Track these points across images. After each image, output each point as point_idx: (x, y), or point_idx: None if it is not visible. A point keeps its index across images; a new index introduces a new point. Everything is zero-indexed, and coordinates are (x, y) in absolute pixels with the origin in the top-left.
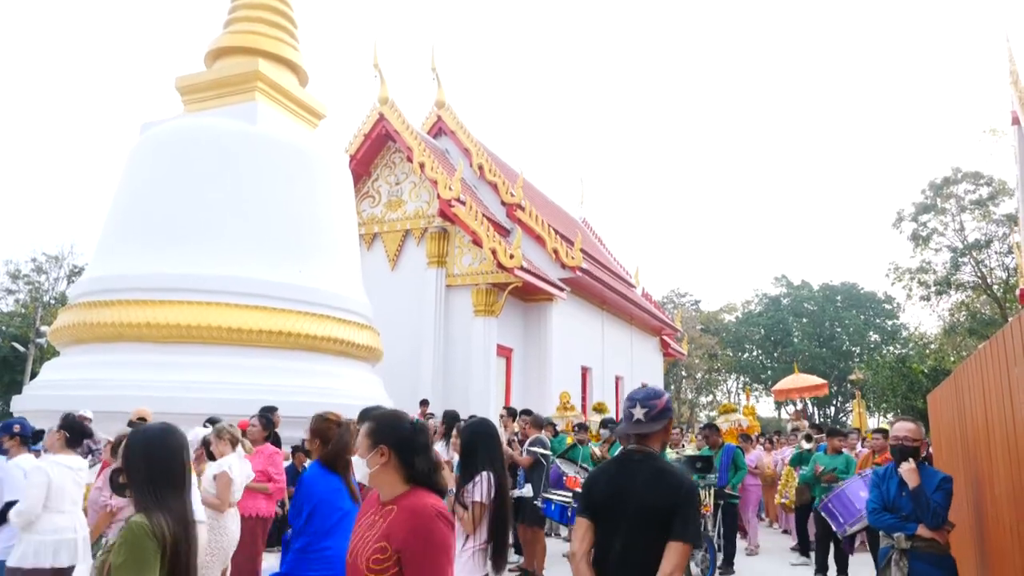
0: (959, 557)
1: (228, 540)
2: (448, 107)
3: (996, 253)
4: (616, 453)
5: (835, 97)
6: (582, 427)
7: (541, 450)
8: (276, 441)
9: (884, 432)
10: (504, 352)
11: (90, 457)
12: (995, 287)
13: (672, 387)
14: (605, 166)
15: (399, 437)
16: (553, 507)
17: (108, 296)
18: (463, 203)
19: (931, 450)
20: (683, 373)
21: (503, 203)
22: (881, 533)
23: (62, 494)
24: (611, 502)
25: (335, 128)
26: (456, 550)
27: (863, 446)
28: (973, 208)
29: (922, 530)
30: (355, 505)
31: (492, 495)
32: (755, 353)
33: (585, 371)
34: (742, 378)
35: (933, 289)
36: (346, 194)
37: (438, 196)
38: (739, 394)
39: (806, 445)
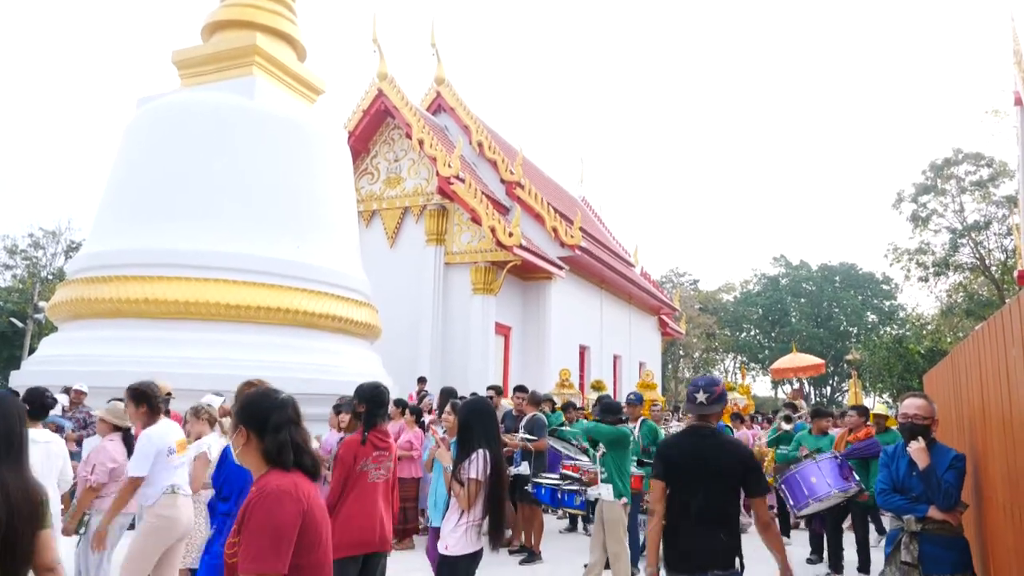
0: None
1: (205, 522)
2: (448, 83)
3: (995, 235)
4: (683, 429)
5: (837, 77)
6: (571, 406)
7: (530, 437)
8: None
9: (860, 410)
10: (503, 330)
11: (65, 431)
12: (993, 269)
13: (669, 366)
14: (605, 145)
15: (256, 417)
16: (544, 491)
17: (106, 272)
18: (462, 180)
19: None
20: (681, 352)
21: (502, 181)
22: (890, 515)
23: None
24: (687, 467)
25: (333, 104)
26: (451, 526)
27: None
28: (973, 189)
29: (933, 512)
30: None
31: (487, 472)
32: (752, 333)
33: (583, 350)
34: (739, 358)
35: (931, 270)
36: (345, 170)
37: (437, 173)
38: (736, 373)
39: (785, 426)
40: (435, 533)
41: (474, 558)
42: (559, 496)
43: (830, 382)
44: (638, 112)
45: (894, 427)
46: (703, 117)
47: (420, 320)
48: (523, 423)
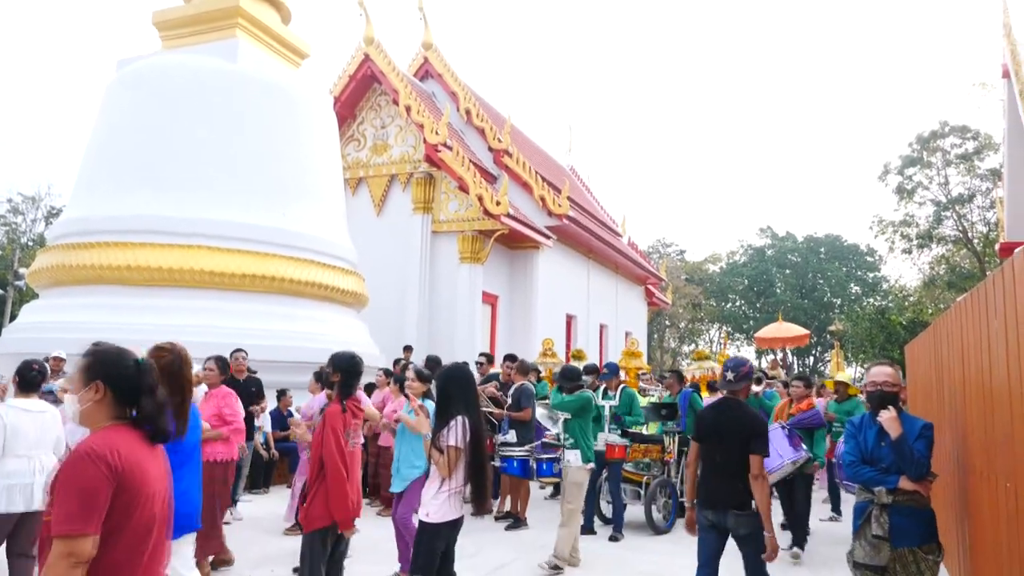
0: (936, 506)
1: None
2: (435, 49)
3: (978, 208)
4: (715, 400)
5: (827, 48)
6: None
7: (490, 410)
8: (234, 385)
9: (805, 380)
10: (489, 299)
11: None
12: (976, 241)
13: (655, 336)
14: (594, 113)
15: (118, 374)
16: (515, 463)
17: (87, 238)
18: (450, 148)
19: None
20: (667, 322)
21: (490, 149)
22: (858, 487)
23: (17, 437)
24: (712, 431)
25: (319, 68)
26: (431, 493)
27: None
28: (958, 162)
29: (904, 482)
30: (182, 442)
31: (467, 439)
32: (738, 303)
33: (570, 319)
34: (724, 328)
35: (915, 242)
36: (331, 137)
37: (424, 141)
38: (721, 343)
39: (755, 388)
40: (397, 499)
41: (454, 525)
42: (531, 466)
43: (813, 352)
44: (627, 81)
45: (856, 395)
46: (691, 87)
47: (407, 289)
48: (511, 392)
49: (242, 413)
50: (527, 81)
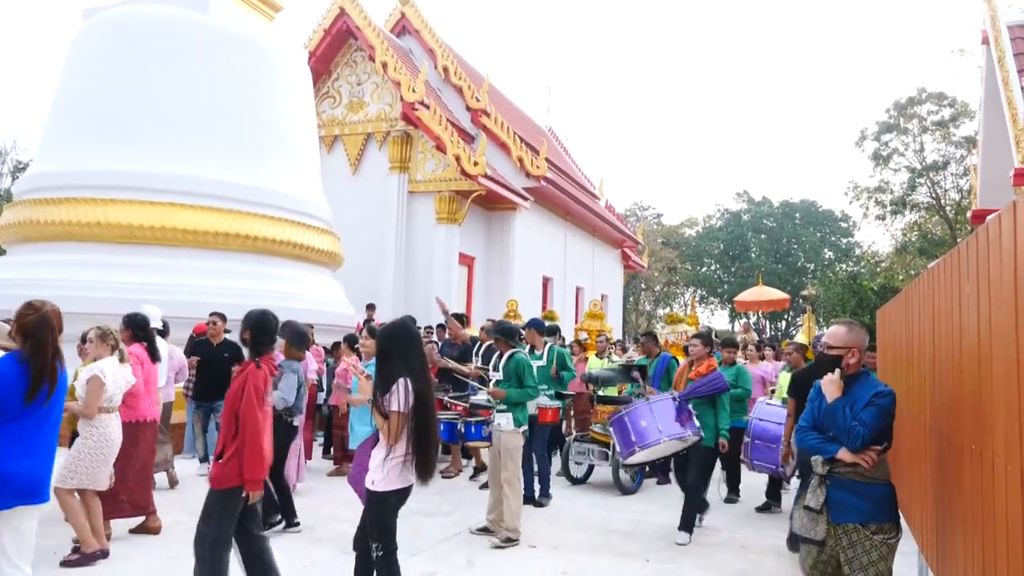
0: (906, 470)
1: (107, 446)
2: (412, 4)
3: (952, 175)
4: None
5: (805, 13)
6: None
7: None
8: (207, 350)
9: (704, 338)
10: (466, 260)
11: None
12: (948, 208)
13: (631, 299)
14: (572, 74)
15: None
16: (441, 428)
17: (55, 193)
18: (427, 107)
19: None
20: (642, 285)
21: (468, 108)
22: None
23: None
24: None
25: (293, 22)
26: (378, 460)
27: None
28: (934, 129)
29: (843, 453)
30: (44, 405)
31: (410, 403)
32: (713, 267)
33: (546, 281)
34: (699, 291)
35: (889, 209)
36: (306, 93)
37: (401, 98)
38: (696, 306)
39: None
40: (356, 459)
41: (402, 494)
42: (459, 430)
43: (785, 317)
44: (606, 43)
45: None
46: (671, 50)
47: (383, 249)
48: (481, 352)
49: (149, 378)
50: (506, 40)
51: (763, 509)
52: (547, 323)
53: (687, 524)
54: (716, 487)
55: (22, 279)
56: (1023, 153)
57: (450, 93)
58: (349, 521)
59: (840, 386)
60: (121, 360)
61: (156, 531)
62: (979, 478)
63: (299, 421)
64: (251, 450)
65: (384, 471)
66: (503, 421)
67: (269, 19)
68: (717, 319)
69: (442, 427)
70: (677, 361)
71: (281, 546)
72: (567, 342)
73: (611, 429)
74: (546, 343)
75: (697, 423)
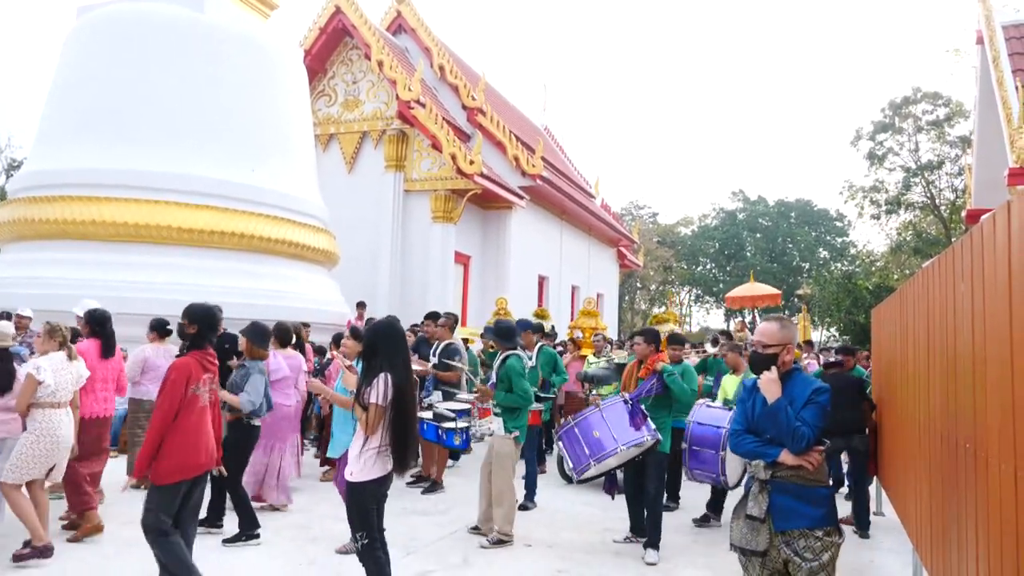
0: (901, 469)
1: (49, 441)
2: (408, 2)
3: (947, 174)
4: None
5: (802, 13)
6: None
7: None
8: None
9: (649, 335)
10: (462, 259)
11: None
12: (942, 208)
13: (626, 298)
14: (569, 73)
15: None
16: (426, 427)
17: (50, 192)
18: (423, 105)
19: (862, 359)
20: (638, 284)
21: (464, 107)
22: (747, 461)
23: None
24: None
25: (288, 20)
26: (356, 451)
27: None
28: (929, 129)
29: (785, 456)
30: None
31: (389, 397)
32: (709, 266)
33: (542, 280)
34: (695, 290)
35: (884, 208)
36: (301, 91)
37: (397, 97)
38: (691, 305)
39: (711, 349)
40: (338, 464)
41: (381, 482)
42: (440, 434)
43: (781, 315)
44: (603, 42)
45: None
46: (667, 50)
47: (379, 248)
48: (438, 351)
49: (95, 375)
50: (502, 39)
51: (702, 522)
52: (534, 321)
53: (654, 540)
54: None
55: (17, 277)
56: (1017, 153)
57: (446, 92)
58: (342, 519)
59: (779, 385)
60: (70, 356)
61: (92, 531)
62: (973, 476)
63: (259, 421)
64: (148, 438)
65: (361, 462)
66: (496, 425)
67: (265, 17)
68: (713, 318)
69: (427, 427)
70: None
71: (278, 544)
72: (557, 340)
73: (559, 444)
74: (539, 344)
75: (652, 425)
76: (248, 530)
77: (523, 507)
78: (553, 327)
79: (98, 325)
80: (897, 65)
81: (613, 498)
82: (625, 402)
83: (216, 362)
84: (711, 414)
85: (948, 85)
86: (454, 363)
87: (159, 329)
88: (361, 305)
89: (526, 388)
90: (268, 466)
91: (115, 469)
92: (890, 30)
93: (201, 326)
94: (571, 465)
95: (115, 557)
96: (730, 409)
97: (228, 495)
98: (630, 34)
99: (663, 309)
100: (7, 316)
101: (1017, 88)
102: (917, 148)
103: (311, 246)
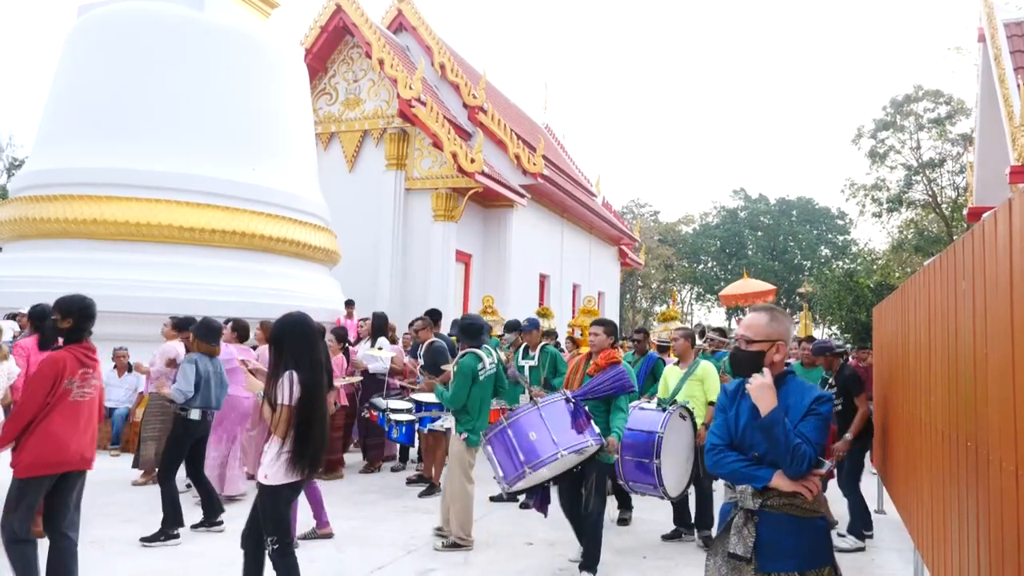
0: (902, 467)
1: None
2: (409, 1)
3: (948, 172)
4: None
5: (803, 11)
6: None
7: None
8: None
9: (607, 326)
10: (463, 257)
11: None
12: (944, 206)
13: (627, 296)
14: (570, 71)
15: None
16: (403, 430)
17: (51, 191)
18: (424, 104)
19: (852, 359)
20: (639, 283)
21: (465, 105)
22: (724, 482)
23: None
24: None
25: (289, 19)
26: (271, 455)
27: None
28: (931, 127)
29: (780, 480)
30: None
31: (295, 397)
32: (710, 264)
33: (543, 278)
34: (696, 289)
35: (885, 206)
36: (302, 90)
37: (398, 95)
38: (692, 304)
39: (698, 342)
40: None
41: (295, 487)
42: (388, 428)
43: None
44: (604, 40)
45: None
46: (668, 48)
47: (380, 246)
48: (421, 351)
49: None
50: (503, 37)
51: (672, 537)
52: (544, 320)
53: (591, 562)
54: (609, 507)
55: (18, 276)
56: (1019, 150)
57: (447, 90)
58: (342, 517)
59: (775, 392)
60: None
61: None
62: (975, 474)
63: (200, 415)
64: (6, 429)
65: (276, 466)
66: (448, 422)
67: (265, 16)
68: (714, 316)
69: (403, 429)
70: (663, 362)
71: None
72: (556, 339)
73: (488, 449)
74: (541, 344)
75: (596, 428)
76: (168, 528)
77: (524, 505)
78: (554, 330)
79: (38, 320)
80: (899, 63)
81: (546, 515)
82: (567, 401)
83: (96, 357)
84: (643, 417)
85: (950, 83)
86: (446, 366)
87: (185, 327)
88: (350, 303)
89: (456, 391)
90: (227, 457)
91: (116, 468)
92: (891, 28)
93: (76, 319)
94: (500, 474)
95: (116, 557)
96: (664, 411)
97: (196, 488)
98: (631, 32)
99: (667, 307)
100: (10, 316)
101: (1019, 85)
102: (919, 146)
103: (312, 245)
